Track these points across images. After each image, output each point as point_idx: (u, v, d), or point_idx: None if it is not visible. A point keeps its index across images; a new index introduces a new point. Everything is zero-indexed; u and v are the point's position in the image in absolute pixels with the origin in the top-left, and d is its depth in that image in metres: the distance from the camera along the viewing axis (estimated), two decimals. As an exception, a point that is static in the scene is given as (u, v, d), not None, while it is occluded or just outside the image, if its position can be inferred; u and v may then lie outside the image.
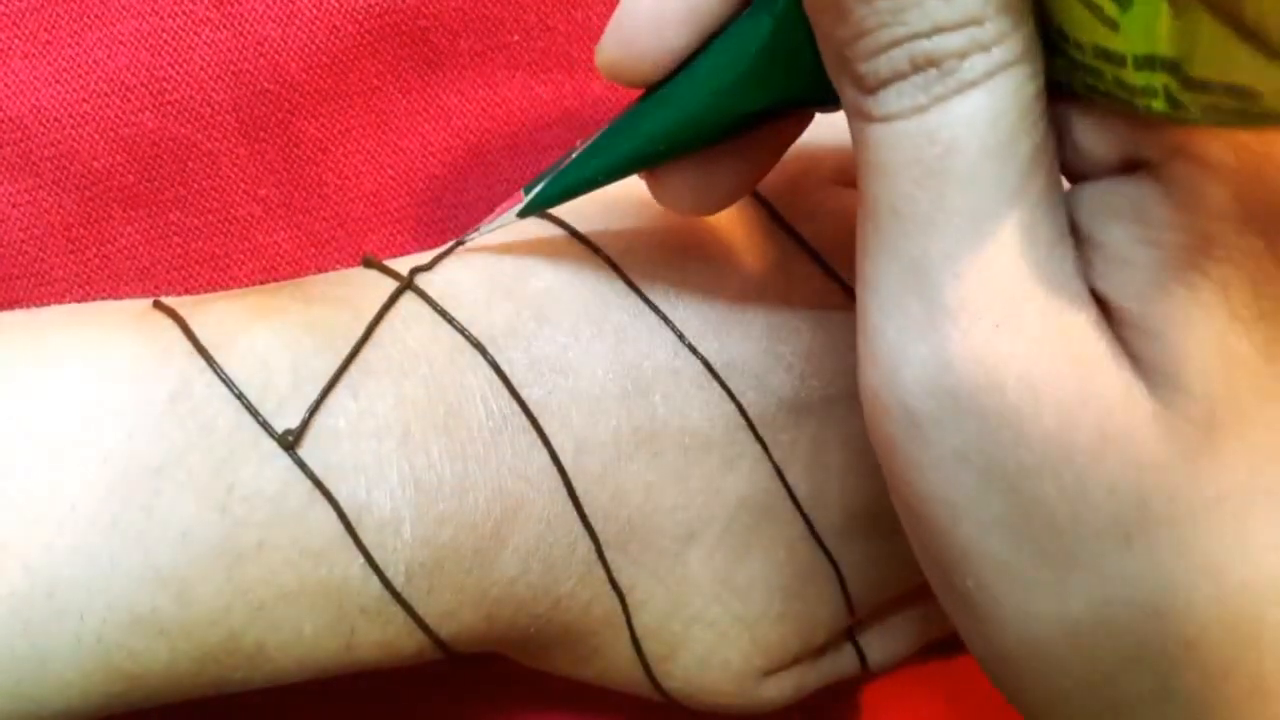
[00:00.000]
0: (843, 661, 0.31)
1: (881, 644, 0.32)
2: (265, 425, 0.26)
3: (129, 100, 0.31)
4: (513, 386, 0.27)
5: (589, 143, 0.26)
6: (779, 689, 0.31)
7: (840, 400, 0.29)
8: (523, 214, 0.27)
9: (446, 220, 0.33)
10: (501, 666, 0.31)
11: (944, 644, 0.33)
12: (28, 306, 0.30)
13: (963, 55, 0.19)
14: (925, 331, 0.20)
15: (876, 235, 0.21)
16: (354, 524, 0.26)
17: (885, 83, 0.20)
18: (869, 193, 0.21)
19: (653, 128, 0.25)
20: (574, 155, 0.26)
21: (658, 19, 0.23)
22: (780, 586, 0.29)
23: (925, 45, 0.19)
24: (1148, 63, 0.18)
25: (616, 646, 0.29)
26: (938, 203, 0.20)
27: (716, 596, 0.29)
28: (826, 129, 0.30)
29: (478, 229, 0.29)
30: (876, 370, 0.21)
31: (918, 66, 0.20)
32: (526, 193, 0.27)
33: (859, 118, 0.21)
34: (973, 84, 0.20)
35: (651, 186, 0.26)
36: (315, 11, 0.32)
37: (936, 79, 0.20)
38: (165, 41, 0.31)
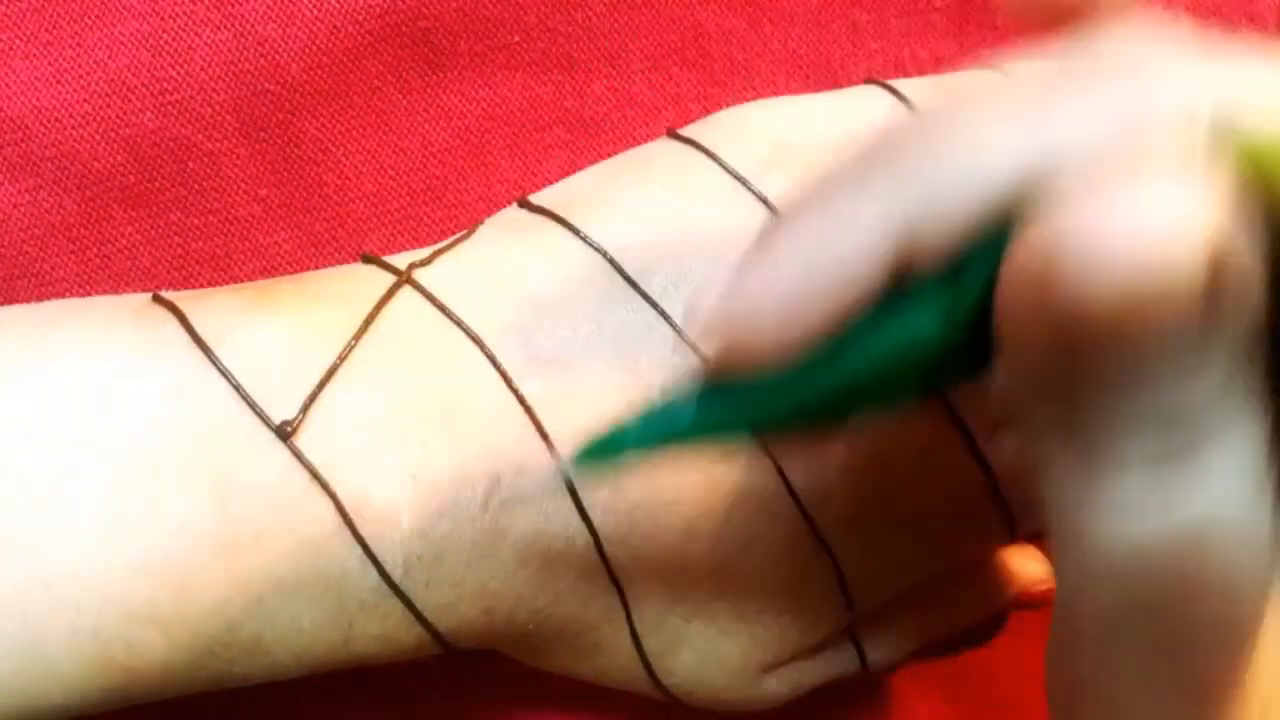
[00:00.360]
0: (842, 660, 0.31)
1: (881, 642, 0.32)
2: (263, 416, 0.26)
3: (130, 100, 0.31)
4: (510, 380, 0.27)
5: (659, 419, 0.23)
6: (778, 686, 0.30)
7: (840, 396, 0.29)
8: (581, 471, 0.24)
9: (446, 220, 0.33)
10: (501, 666, 0.31)
11: (944, 644, 0.33)
12: (28, 306, 0.30)
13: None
14: None
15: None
16: (352, 516, 0.26)
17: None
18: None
19: (764, 416, 0.22)
20: (630, 435, 0.23)
21: (799, 305, 0.19)
22: (780, 582, 0.29)
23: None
24: None
25: (616, 642, 0.29)
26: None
27: (716, 592, 0.29)
28: (824, 119, 0.31)
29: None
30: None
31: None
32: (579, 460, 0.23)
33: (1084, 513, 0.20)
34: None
35: None
36: (316, 12, 0.32)
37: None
38: (166, 42, 0.31)
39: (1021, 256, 0.17)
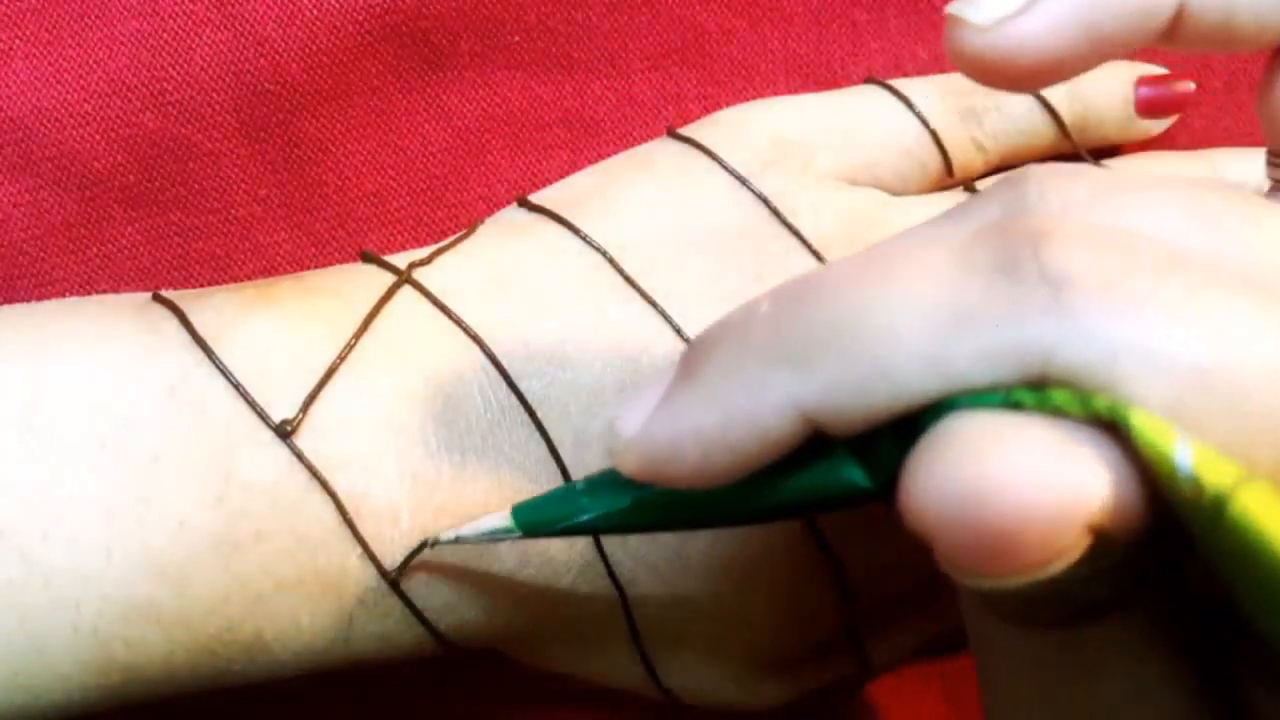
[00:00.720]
0: (842, 660, 0.31)
1: (882, 643, 0.31)
2: (263, 415, 0.26)
3: (130, 100, 0.31)
4: (510, 379, 0.27)
5: (605, 491, 0.23)
6: (779, 686, 0.30)
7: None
8: (525, 533, 0.24)
9: (446, 220, 0.33)
10: (501, 666, 0.31)
11: (944, 644, 0.33)
12: (28, 305, 0.30)
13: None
14: None
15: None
16: (352, 514, 0.26)
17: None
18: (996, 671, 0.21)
19: (700, 517, 0.22)
20: (581, 498, 0.23)
21: (722, 448, 0.19)
22: (780, 583, 0.29)
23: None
24: None
25: (616, 642, 0.29)
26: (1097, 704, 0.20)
27: (716, 592, 0.29)
28: (824, 119, 0.31)
29: (452, 535, 0.26)
30: None
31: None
32: (516, 515, 0.24)
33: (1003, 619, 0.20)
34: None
35: None
36: (316, 12, 0.32)
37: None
38: (166, 42, 0.31)
39: (906, 496, 0.17)
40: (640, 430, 0.20)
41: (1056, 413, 0.17)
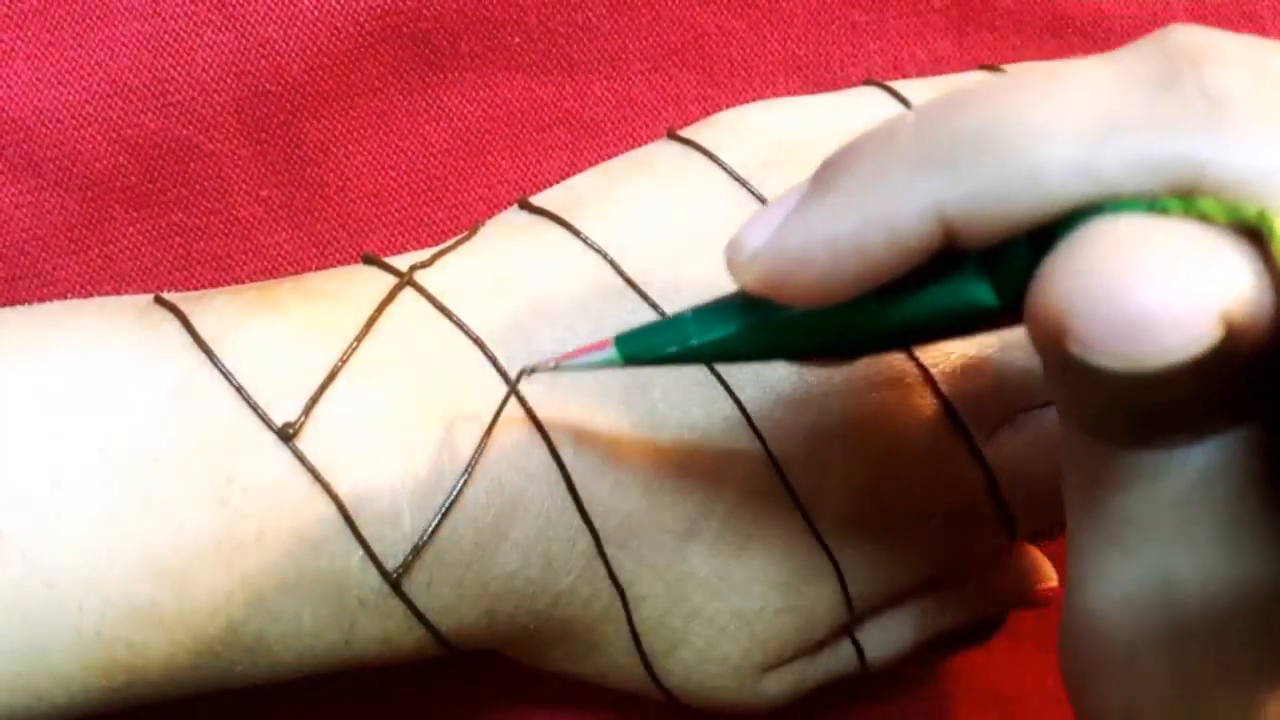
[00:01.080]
0: (842, 658, 0.31)
1: (880, 641, 0.32)
2: (264, 417, 0.26)
3: (131, 101, 0.31)
4: (511, 381, 0.27)
5: (712, 318, 0.23)
6: (778, 686, 0.30)
7: (840, 396, 0.29)
8: (627, 362, 0.24)
9: (447, 220, 0.34)
10: (502, 666, 0.31)
11: (944, 643, 0.33)
12: (30, 306, 0.30)
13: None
14: (1167, 647, 0.20)
15: (1108, 534, 0.21)
16: (353, 516, 0.26)
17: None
18: (1101, 497, 0.21)
19: (811, 343, 0.22)
20: (689, 325, 0.23)
21: (854, 255, 0.19)
22: (780, 583, 0.29)
23: None
24: None
25: (616, 643, 0.29)
26: (1199, 526, 0.20)
27: (716, 592, 0.29)
28: (824, 119, 0.31)
29: (551, 363, 0.25)
30: (1103, 675, 0.21)
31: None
32: (620, 345, 0.24)
33: (1112, 441, 0.20)
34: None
35: None
36: (317, 13, 0.32)
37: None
38: (168, 43, 0.31)
39: (1041, 293, 0.18)
40: (767, 241, 0.20)
41: (1202, 219, 0.17)
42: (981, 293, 0.20)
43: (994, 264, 0.19)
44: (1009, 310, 0.19)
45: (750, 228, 0.21)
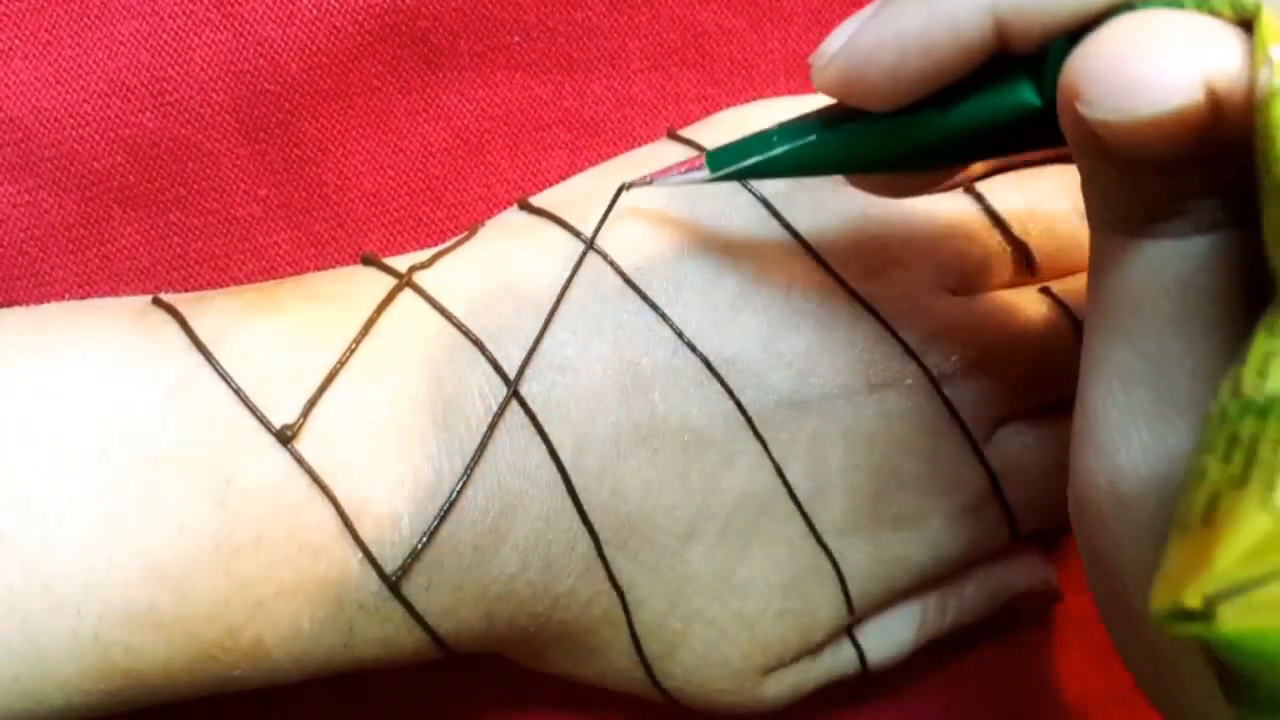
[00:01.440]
0: (842, 660, 0.31)
1: (881, 643, 0.32)
2: (263, 420, 0.26)
3: (129, 100, 0.31)
4: (511, 382, 0.27)
5: (794, 130, 0.25)
6: (778, 687, 0.30)
7: (840, 397, 0.29)
8: (715, 178, 0.27)
9: (446, 220, 0.33)
10: (502, 667, 0.31)
11: (944, 644, 0.33)
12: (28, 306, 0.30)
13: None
14: (1151, 420, 0.21)
15: (1114, 322, 0.22)
16: (352, 519, 0.26)
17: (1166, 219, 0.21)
18: (1110, 287, 0.22)
19: (881, 149, 0.24)
20: (773, 136, 0.26)
21: (919, 51, 0.22)
22: (780, 584, 0.29)
23: None
24: None
25: (616, 645, 0.29)
26: (1189, 310, 0.21)
27: (716, 594, 0.29)
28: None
29: (647, 179, 0.28)
30: (1092, 448, 0.22)
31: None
32: (711, 159, 0.26)
33: (1123, 231, 0.22)
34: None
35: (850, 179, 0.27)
36: (315, 12, 0.32)
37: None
38: (166, 42, 0.31)
39: (1066, 71, 0.20)
40: (845, 42, 0.23)
41: (1211, 13, 0.20)
42: (1027, 93, 0.22)
43: (1039, 70, 0.22)
44: (1050, 115, 0.22)
45: (831, 36, 0.23)
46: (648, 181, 0.28)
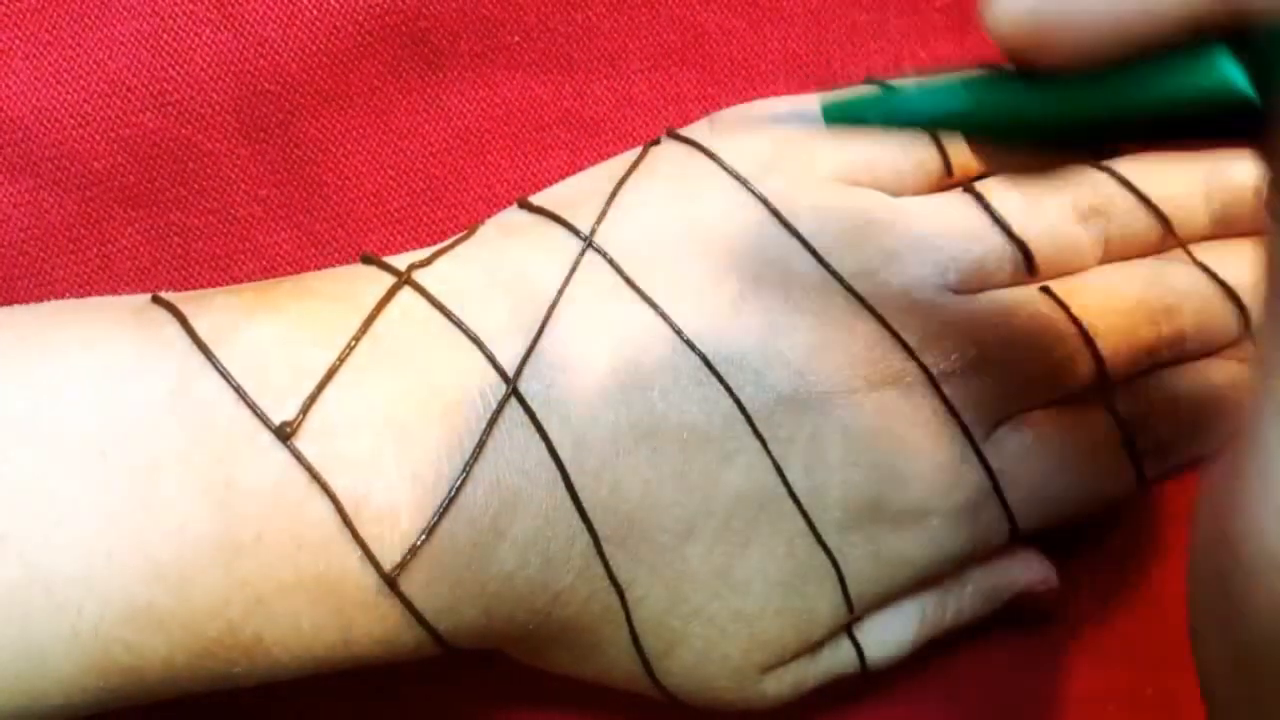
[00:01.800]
0: (841, 658, 0.31)
1: (880, 641, 0.32)
2: (263, 418, 0.26)
3: (130, 100, 0.31)
4: (510, 380, 0.27)
5: (937, 84, 0.22)
6: (778, 686, 0.30)
7: (840, 396, 0.29)
8: (829, 121, 0.22)
9: (446, 220, 0.33)
10: (501, 666, 0.31)
11: (944, 643, 0.33)
12: (28, 306, 0.30)
13: None
14: None
15: None
16: (351, 516, 0.26)
17: None
18: None
19: (1051, 113, 0.21)
20: (909, 86, 0.22)
21: (1111, 18, 0.19)
22: (779, 582, 0.29)
23: None
24: None
25: (615, 642, 0.29)
26: None
27: (715, 592, 0.29)
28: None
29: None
30: (1242, 504, 0.19)
31: None
32: (828, 111, 0.22)
33: None
34: None
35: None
36: (316, 12, 0.32)
37: None
38: (166, 42, 0.31)
39: None
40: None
41: None
42: (1234, 73, 0.19)
43: (1256, 61, 0.19)
44: (1254, 112, 0.19)
45: None
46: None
